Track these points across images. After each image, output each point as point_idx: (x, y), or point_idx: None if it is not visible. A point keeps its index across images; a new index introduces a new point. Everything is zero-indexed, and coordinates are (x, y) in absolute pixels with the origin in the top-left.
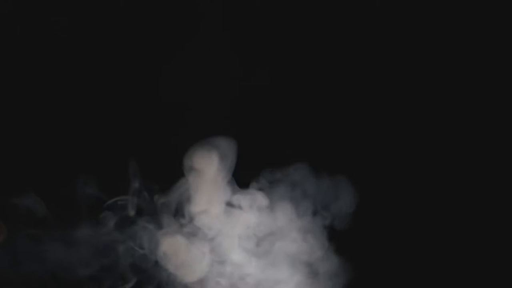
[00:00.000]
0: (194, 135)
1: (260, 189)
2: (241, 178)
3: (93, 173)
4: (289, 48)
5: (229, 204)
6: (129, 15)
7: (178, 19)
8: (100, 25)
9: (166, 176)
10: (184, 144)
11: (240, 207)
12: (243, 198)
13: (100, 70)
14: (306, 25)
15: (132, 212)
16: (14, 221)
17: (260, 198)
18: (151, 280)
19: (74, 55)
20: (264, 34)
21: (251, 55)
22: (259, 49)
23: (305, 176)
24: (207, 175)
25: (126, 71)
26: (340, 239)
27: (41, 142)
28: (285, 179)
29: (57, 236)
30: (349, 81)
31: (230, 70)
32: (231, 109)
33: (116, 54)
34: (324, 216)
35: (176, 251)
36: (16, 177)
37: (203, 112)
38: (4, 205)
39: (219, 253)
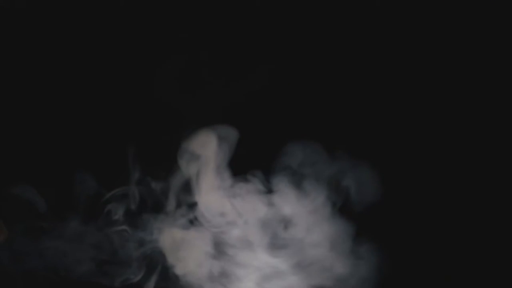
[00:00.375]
0: (192, 124)
1: (273, 176)
2: (250, 167)
3: (91, 166)
4: (289, 48)
5: (232, 192)
6: (129, 13)
7: (178, 18)
8: (100, 22)
9: (165, 165)
10: (181, 133)
11: (243, 196)
12: (247, 186)
13: (96, 63)
14: (306, 25)
15: (133, 204)
16: (14, 216)
17: (272, 186)
18: (155, 273)
19: (71, 51)
20: (264, 34)
21: (251, 55)
22: (259, 49)
23: (323, 161)
24: (207, 160)
25: (123, 63)
26: (362, 226)
27: (39, 136)
28: (301, 164)
29: (58, 231)
30: (351, 81)
31: (229, 68)
32: (234, 101)
33: (112, 48)
34: (343, 202)
35: (177, 244)
36: (14, 172)
37: (201, 106)
38: (4, 200)
39: (221, 244)
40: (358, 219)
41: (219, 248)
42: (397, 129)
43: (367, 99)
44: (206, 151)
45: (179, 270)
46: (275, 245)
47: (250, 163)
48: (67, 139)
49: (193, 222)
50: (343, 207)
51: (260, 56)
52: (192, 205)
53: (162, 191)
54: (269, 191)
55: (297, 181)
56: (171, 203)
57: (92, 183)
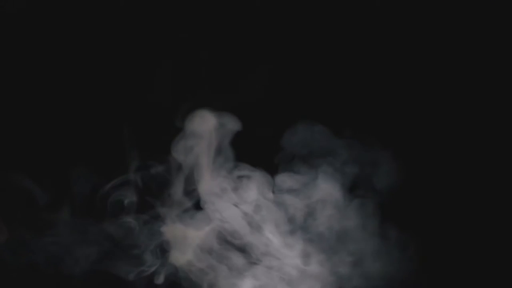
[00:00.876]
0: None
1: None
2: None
3: (90, 157)
4: (289, 47)
5: (236, 177)
6: (128, 12)
7: (178, 18)
8: (100, 21)
9: (164, 148)
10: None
11: (248, 181)
12: (252, 172)
13: (93, 59)
14: (306, 25)
15: (136, 193)
16: (15, 210)
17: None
18: (165, 266)
19: (69, 47)
20: (264, 34)
21: (251, 54)
22: (259, 48)
23: (333, 144)
24: (206, 140)
25: (121, 59)
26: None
27: (38, 130)
28: (309, 147)
29: (61, 224)
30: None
31: (229, 67)
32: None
33: (110, 45)
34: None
35: (180, 237)
36: (13, 165)
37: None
38: (4, 194)
39: (227, 234)
40: (376, 203)
41: (226, 238)
42: (417, 115)
43: (367, 95)
44: (205, 129)
45: (181, 262)
46: (285, 233)
47: (257, 151)
48: (65, 132)
49: (196, 208)
50: (359, 192)
51: (260, 56)
52: (194, 190)
53: (164, 177)
54: (277, 177)
55: (307, 165)
56: (173, 189)
57: (92, 174)
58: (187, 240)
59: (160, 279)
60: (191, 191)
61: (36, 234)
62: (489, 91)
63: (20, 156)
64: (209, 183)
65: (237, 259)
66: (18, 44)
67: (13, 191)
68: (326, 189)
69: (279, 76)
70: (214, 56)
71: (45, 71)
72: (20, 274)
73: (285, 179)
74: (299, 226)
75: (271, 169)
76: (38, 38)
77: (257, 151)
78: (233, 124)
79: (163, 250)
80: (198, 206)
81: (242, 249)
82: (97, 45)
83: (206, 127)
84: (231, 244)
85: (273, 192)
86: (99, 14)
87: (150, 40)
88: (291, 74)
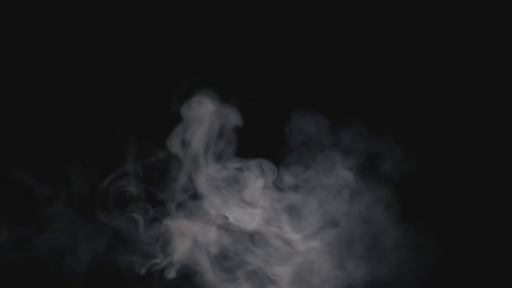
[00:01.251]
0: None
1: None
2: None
3: (88, 153)
4: (289, 47)
5: (237, 168)
6: (128, 13)
7: (178, 18)
8: (99, 21)
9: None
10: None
11: (251, 173)
12: (255, 164)
13: (91, 58)
14: (306, 25)
15: (134, 188)
16: (16, 206)
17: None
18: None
19: (65, 44)
20: (263, 33)
21: (251, 53)
22: (259, 49)
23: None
24: (205, 127)
25: (120, 59)
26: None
27: (37, 126)
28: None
29: (59, 220)
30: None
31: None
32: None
33: (107, 43)
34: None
35: (182, 233)
36: (13, 160)
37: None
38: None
39: (226, 227)
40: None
41: (229, 232)
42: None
43: (373, 87)
44: (203, 115)
45: (183, 256)
46: (290, 225)
47: (260, 143)
48: (63, 126)
49: (198, 201)
50: (368, 183)
51: (260, 56)
52: (195, 182)
53: (164, 167)
54: (280, 168)
55: (311, 156)
56: (174, 181)
57: (92, 167)
58: (190, 234)
59: (171, 274)
60: (192, 182)
61: (36, 229)
62: (503, 83)
63: (19, 151)
64: (211, 174)
65: (242, 254)
66: (16, 41)
67: (12, 186)
68: (331, 181)
69: (281, 74)
70: (214, 56)
71: (42, 68)
72: (20, 270)
73: (289, 170)
74: (304, 219)
75: (275, 160)
76: (37, 35)
77: (260, 143)
78: (232, 114)
79: (166, 244)
80: (199, 198)
81: (246, 242)
82: (94, 40)
83: (204, 113)
84: (235, 238)
85: (277, 183)
86: (98, 12)
87: (149, 38)
88: (293, 71)
